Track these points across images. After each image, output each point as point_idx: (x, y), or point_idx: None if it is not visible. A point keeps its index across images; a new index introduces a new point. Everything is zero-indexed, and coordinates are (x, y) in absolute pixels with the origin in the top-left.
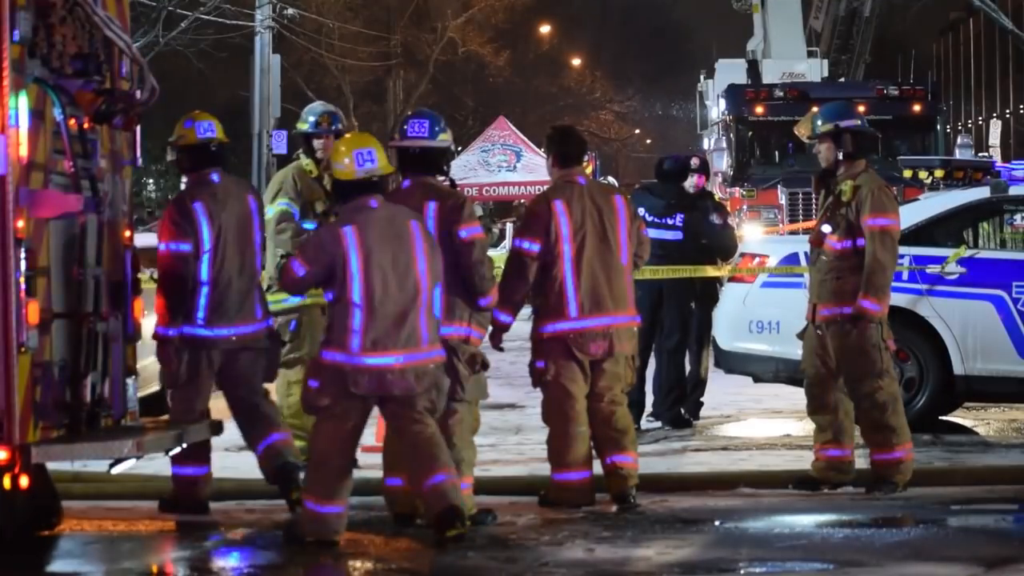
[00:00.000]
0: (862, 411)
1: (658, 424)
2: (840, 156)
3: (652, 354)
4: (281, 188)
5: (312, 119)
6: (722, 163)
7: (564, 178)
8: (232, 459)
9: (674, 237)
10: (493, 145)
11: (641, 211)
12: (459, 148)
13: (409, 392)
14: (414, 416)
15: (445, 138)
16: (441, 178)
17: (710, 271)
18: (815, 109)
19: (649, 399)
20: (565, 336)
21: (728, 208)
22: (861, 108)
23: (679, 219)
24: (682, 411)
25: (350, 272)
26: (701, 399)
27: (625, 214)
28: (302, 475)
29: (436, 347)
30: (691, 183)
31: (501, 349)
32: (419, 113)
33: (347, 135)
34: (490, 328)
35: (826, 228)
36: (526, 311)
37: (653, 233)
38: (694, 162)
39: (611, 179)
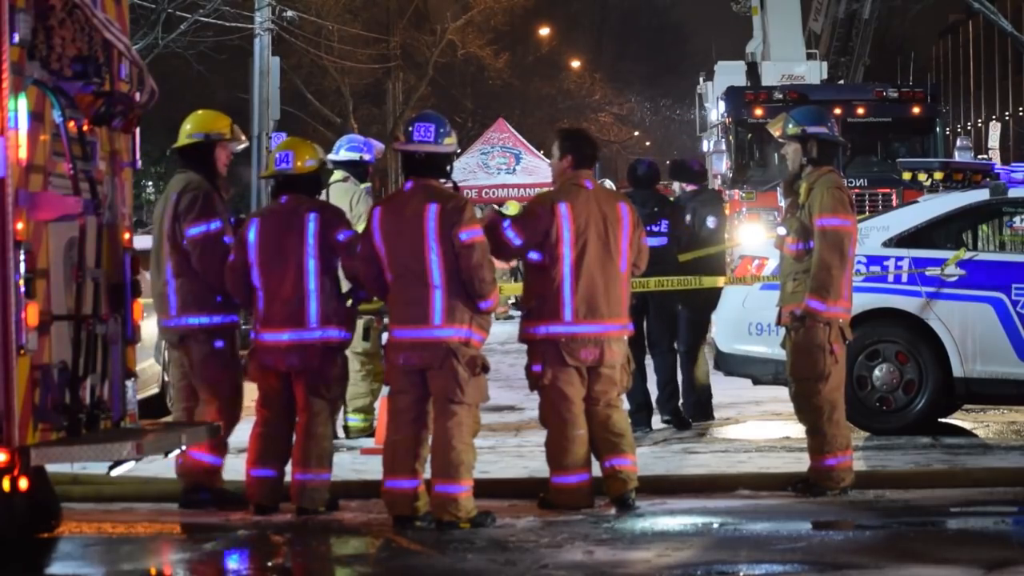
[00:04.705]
0: (801, 412)
1: (664, 425)
2: (805, 161)
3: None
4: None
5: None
6: (721, 165)
7: (572, 180)
8: (230, 461)
9: (659, 243)
10: (492, 147)
11: None
12: (458, 151)
13: (293, 368)
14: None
15: (450, 142)
16: (443, 181)
17: (706, 282)
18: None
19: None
20: (557, 340)
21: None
22: (860, 110)
23: (664, 225)
24: (679, 406)
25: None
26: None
27: (629, 222)
28: None
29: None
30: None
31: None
32: (424, 117)
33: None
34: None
35: (781, 231)
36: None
37: None
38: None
39: (608, 182)
